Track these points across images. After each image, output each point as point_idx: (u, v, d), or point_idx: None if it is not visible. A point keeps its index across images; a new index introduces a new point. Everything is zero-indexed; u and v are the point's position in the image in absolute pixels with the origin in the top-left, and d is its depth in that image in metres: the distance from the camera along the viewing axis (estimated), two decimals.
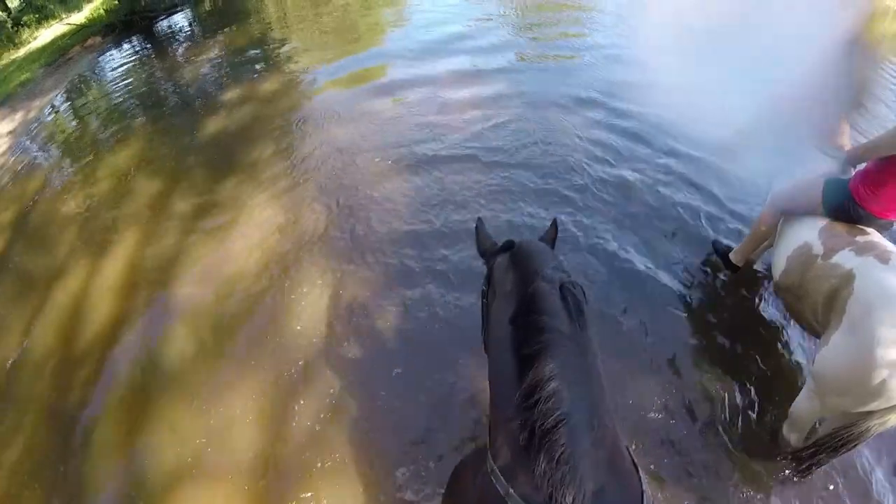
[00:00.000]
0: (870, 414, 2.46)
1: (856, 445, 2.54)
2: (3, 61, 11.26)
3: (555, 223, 2.29)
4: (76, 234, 4.72)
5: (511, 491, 1.29)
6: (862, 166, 3.06)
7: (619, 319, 3.49)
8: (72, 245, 4.60)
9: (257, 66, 7.89)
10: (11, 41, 12.52)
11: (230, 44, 9.13)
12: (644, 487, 1.31)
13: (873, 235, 2.87)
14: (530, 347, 1.46)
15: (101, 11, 12.15)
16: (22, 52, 11.72)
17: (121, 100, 7.28)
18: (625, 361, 3.20)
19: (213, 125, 6.16)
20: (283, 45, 8.79)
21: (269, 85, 7.08)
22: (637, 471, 1.36)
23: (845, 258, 2.72)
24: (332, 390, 3.06)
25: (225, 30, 9.83)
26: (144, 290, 3.96)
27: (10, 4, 13.83)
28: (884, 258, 2.58)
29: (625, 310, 3.54)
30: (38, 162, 6.58)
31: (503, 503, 1.30)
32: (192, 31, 10.45)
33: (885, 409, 2.42)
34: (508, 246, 1.97)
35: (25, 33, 13.01)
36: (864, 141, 3.14)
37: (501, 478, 1.34)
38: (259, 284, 3.79)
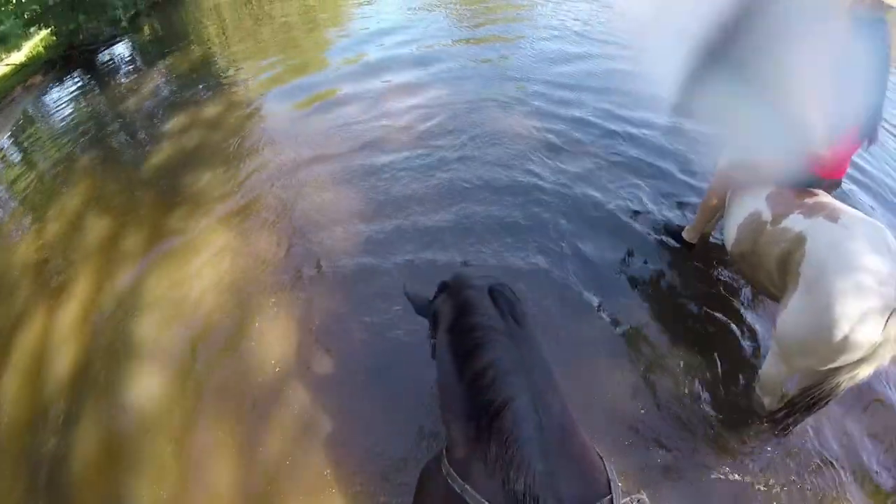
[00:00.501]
0: (837, 370, 2.48)
1: (828, 402, 2.56)
2: None
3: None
4: (31, 281, 4.74)
5: (466, 487, 1.33)
6: None
7: (585, 310, 3.59)
8: (28, 292, 4.61)
9: (200, 90, 7.93)
10: None
11: (172, 69, 9.13)
12: (608, 468, 1.35)
13: (821, 196, 2.90)
14: (465, 346, 1.56)
15: (40, 49, 11.97)
16: None
17: (67, 138, 7.24)
18: (595, 349, 3.31)
19: (159, 155, 6.20)
20: (226, 66, 8.83)
21: (212, 109, 7.14)
22: (595, 453, 1.40)
23: (794, 221, 2.76)
24: (305, 412, 3.13)
25: (166, 55, 9.81)
26: (105, 328, 3.99)
27: None
28: (833, 217, 2.61)
29: (594, 303, 3.64)
30: None
31: (463, 501, 1.33)
32: (133, 60, 10.40)
33: (852, 363, 2.42)
34: (443, 287, 2.05)
35: None
36: None
37: (457, 477, 1.38)
38: (219, 311, 3.87)
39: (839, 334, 2.34)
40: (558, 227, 4.21)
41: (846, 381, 2.46)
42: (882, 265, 2.34)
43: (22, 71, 11.15)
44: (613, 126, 5.38)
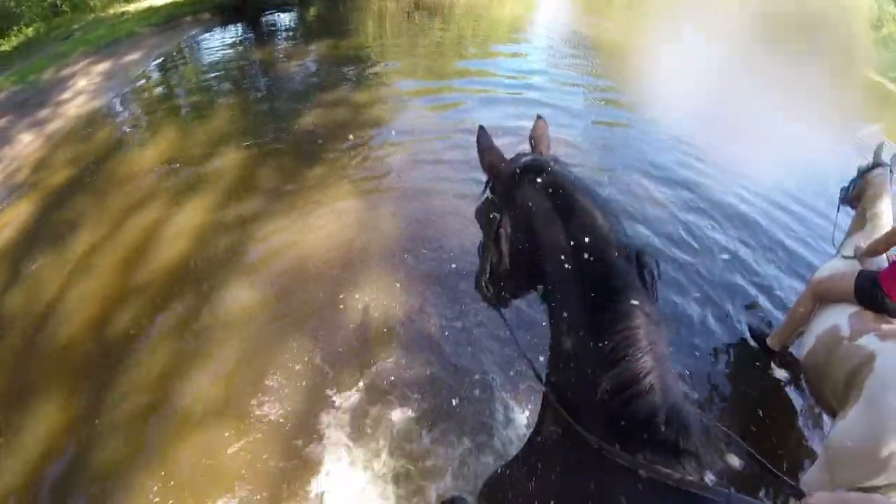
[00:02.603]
0: (877, 489, 2.51)
1: None
2: (114, 11, 11.86)
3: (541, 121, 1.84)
4: (154, 182, 4.96)
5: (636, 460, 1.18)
6: (889, 260, 3.30)
7: None
8: (146, 193, 4.83)
9: (350, 76, 8.22)
10: None
11: (328, 50, 9.56)
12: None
13: None
14: (617, 337, 1.25)
15: None
16: (132, 7, 12.31)
17: (217, 77, 7.64)
18: None
19: (304, 118, 6.43)
20: (377, 64, 9.16)
21: (359, 95, 7.38)
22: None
23: (869, 341, 2.87)
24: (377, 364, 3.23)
25: (325, 37, 10.28)
26: (215, 243, 4.18)
27: None
28: None
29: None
30: (119, 113, 6.92)
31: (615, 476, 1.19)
32: (296, 30, 10.94)
33: (890, 484, 2.47)
34: (535, 168, 1.51)
35: None
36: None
37: (619, 451, 1.20)
38: (326, 275, 3.94)
39: (886, 451, 2.41)
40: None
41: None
42: None
43: (194, 4, 11.92)
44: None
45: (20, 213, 4.73)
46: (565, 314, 1.40)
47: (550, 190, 1.45)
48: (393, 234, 4.34)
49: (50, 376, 3.21)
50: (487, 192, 1.68)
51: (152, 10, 11.51)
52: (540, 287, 1.55)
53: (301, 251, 4.07)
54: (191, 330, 3.42)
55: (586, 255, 1.34)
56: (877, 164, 3.87)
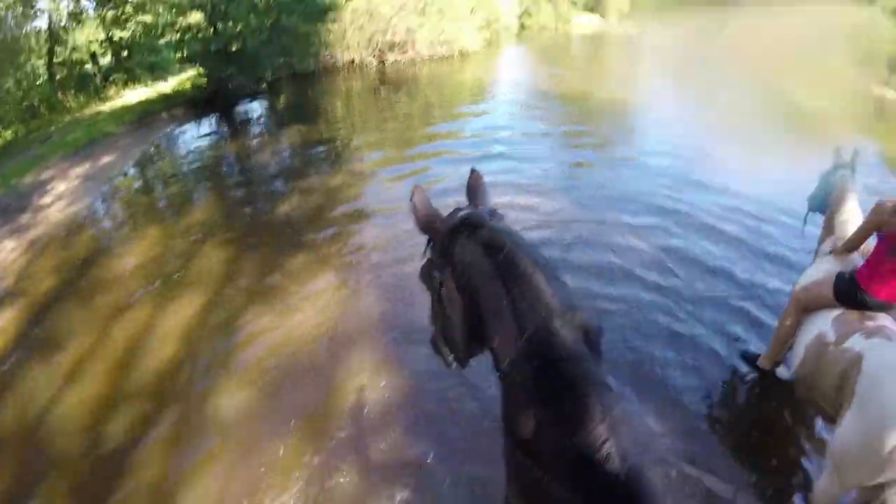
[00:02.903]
0: (884, 486, 2.56)
1: None
2: (89, 111, 12.24)
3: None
4: (139, 285, 5.07)
5: None
6: (864, 258, 3.35)
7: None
8: (130, 297, 4.92)
9: (322, 161, 8.57)
10: (98, 94, 13.65)
11: (299, 134, 9.93)
12: None
13: (883, 320, 3.06)
14: (568, 409, 1.21)
15: (187, 85, 13.29)
16: (107, 106, 12.73)
17: (194, 171, 7.90)
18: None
19: (280, 206, 6.68)
20: (348, 142, 9.59)
21: (333, 175, 7.74)
22: None
23: (855, 342, 2.90)
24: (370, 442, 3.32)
25: (296, 123, 10.67)
26: (203, 345, 4.25)
27: (101, 61, 15.18)
28: (890, 336, 2.79)
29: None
30: (101, 215, 7.11)
31: None
32: (267, 118, 11.36)
33: (893, 479, 2.51)
34: (471, 223, 1.45)
35: (112, 90, 14.17)
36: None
37: None
38: (311, 358, 4.05)
39: (887, 447, 2.43)
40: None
41: (893, 496, 2.55)
42: None
43: (166, 101, 12.37)
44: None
45: (6, 322, 4.80)
46: (512, 382, 1.33)
47: (488, 246, 1.38)
48: (374, 315, 4.46)
49: (43, 495, 3.23)
50: (428, 251, 1.62)
51: (126, 109, 11.92)
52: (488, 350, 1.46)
53: (288, 346, 4.16)
54: (184, 438, 3.45)
55: (529, 321, 1.27)
56: (838, 166, 3.96)
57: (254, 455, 3.29)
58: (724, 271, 5.08)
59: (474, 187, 1.71)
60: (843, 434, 2.70)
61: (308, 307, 4.59)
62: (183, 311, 4.63)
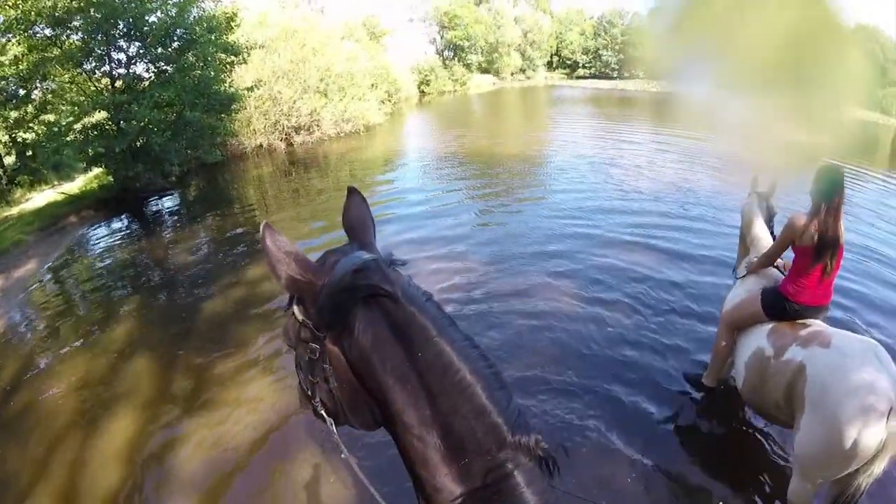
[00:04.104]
0: (855, 473, 2.70)
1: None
2: None
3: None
4: (70, 408, 4.99)
5: None
6: (781, 271, 3.66)
7: (614, 445, 3.91)
8: (63, 423, 4.80)
9: (241, 250, 8.79)
10: (4, 198, 13.42)
11: (215, 228, 10.14)
12: None
13: (814, 326, 3.24)
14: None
15: (94, 185, 13.29)
16: (15, 210, 12.52)
17: (112, 277, 7.87)
18: (622, 483, 3.59)
19: (204, 307, 6.77)
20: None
21: (253, 270, 7.86)
22: None
23: (794, 353, 3.05)
24: None
25: (210, 214, 10.89)
26: (143, 468, 4.14)
27: (5, 162, 14.89)
28: (825, 343, 2.93)
29: (622, 438, 3.98)
30: (21, 334, 6.92)
31: None
32: (179, 213, 11.43)
33: (864, 464, 2.64)
34: (365, 282, 1.10)
35: (18, 192, 13.93)
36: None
37: None
38: (255, 473, 4.03)
39: (848, 441, 2.57)
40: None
41: (864, 480, 2.69)
42: (874, 374, 2.63)
43: (75, 202, 12.31)
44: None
45: None
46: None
47: (403, 334, 1.09)
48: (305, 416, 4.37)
49: None
50: (296, 310, 1.21)
51: (35, 214, 11.79)
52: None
53: (228, 457, 4.12)
54: None
55: (468, 451, 1.05)
56: (751, 194, 4.13)
57: None
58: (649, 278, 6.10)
59: (357, 217, 1.35)
60: (805, 438, 2.85)
61: (245, 416, 4.59)
62: (118, 433, 4.55)
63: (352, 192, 1.39)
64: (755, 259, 3.83)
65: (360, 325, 1.10)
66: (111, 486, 4.04)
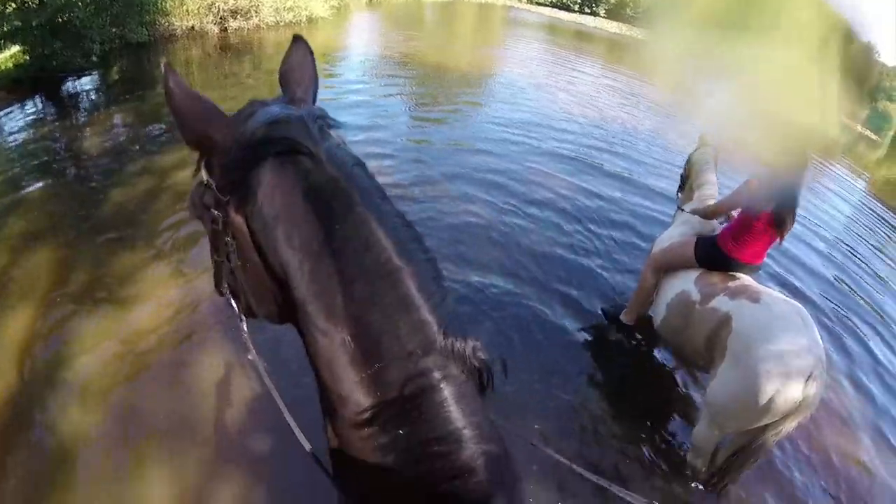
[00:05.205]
0: (763, 428, 2.79)
1: (756, 460, 2.92)
2: None
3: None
4: None
5: None
6: (725, 224, 3.65)
7: (534, 384, 3.89)
8: None
9: (158, 136, 8.60)
10: None
11: (134, 112, 9.79)
12: None
13: (744, 280, 3.32)
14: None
15: (10, 65, 12.43)
16: None
17: (20, 163, 7.54)
18: (542, 418, 3.57)
19: (112, 196, 6.56)
20: None
21: (168, 157, 7.73)
22: None
23: (721, 302, 3.10)
24: (239, 445, 3.33)
25: (131, 97, 10.49)
26: (38, 367, 3.82)
27: None
28: (754, 298, 2.98)
29: (540, 375, 3.97)
30: None
31: None
32: (98, 95, 10.96)
33: (775, 422, 2.74)
34: (284, 140, 0.96)
35: None
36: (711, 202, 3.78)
37: None
38: (157, 353, 3.98)
39: (764, 398, 2.65)
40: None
41: (771, 437, 2.80)
42: (798, 337, 2.70)
43: None
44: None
45: None
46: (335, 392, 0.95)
47: (318, 198, 0.92)
48: (220, 306, 4.28)
49: None
50: (202, 172, 1.10)
51: None
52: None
53: (129, 357, 3.94)
54: (34, 471, 3.09)
55: (388, 354, 0.88)
56: (701, 146, 4.23)
57: (102, 488, 3.04)
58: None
59: (296, 68, 1.24)
60: (720, 388, 2.92)
61: (149, 314, 4.42)
62: (9, 332, 4.12)
63: (297, 39, 1.25)
64: (710, 203, 3.83)
65: (267, 188, 0.93)
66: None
